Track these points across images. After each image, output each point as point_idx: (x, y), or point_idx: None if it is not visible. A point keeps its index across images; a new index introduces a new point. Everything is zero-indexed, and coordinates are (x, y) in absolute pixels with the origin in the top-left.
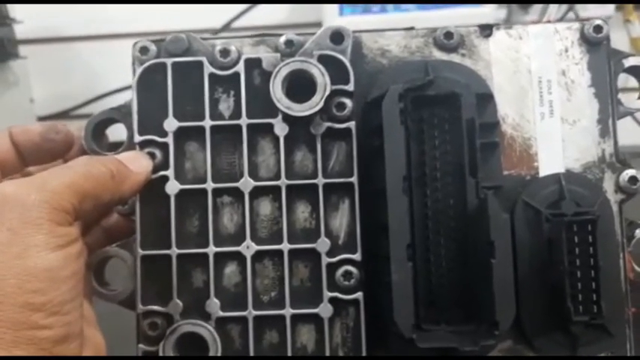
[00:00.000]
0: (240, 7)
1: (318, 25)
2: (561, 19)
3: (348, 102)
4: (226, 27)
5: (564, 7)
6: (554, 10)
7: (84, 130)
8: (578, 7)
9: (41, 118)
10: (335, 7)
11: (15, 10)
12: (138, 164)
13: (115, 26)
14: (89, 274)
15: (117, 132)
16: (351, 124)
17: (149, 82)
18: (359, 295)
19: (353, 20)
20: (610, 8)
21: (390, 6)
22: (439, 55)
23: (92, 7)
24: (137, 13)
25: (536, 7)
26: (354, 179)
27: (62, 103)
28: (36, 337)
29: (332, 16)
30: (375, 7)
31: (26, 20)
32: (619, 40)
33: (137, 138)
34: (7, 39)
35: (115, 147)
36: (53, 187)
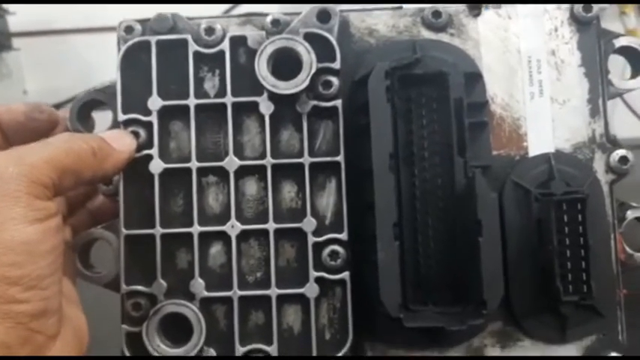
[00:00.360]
0: (228, 5)
1: None
2: None
3: (334, 80)
4: (224, 15)
5: None
6: None
7: (69, 111)
8: None
9: None
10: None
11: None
12: (121, 142)
13: (108, 19)
14: (73, 255)
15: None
16: (338, 103)
17: (133, 60)
18: (345, 275)
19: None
20: None
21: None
22: (427, 34)
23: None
24: (128, 7)
25: None
26: (340, 158)
27: (55, 95)
28: (12, 311)
29: None
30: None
31: (20, 12)
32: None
33: (121, 117)
34: (0, 31)
35: None
36: (32, 160)
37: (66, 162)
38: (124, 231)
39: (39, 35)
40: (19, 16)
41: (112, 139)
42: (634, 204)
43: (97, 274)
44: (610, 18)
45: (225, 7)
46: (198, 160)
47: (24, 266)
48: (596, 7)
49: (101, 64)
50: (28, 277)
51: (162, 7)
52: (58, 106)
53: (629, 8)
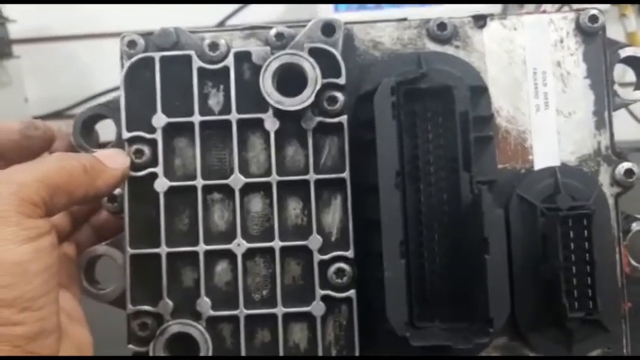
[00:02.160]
0: (232, 6)
1: None
2: None
3: (339, 96)
4: (220, 25)
5: (557, 5)
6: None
7: (72, 126)
8: (573, 6)
9: (36, 118)
10: (330, 6)
11: (8, 10)
12: (114, 160)
13: (108, 25)
14: (78, 271)
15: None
16: (343, 119)
17: (137, 77)
18: (352, 292)
19: (348, 16)
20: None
21: (385, 1)
22: (432, 46)
23: (85, 7)
24: (130, 13)
25: (531, 7)
26: (345, 175)
27: (57, 102)
28: (7, 334)
29: (327, 13)
30: (370, 5)
31: (20, 20)
32: (615, 34)
33: (125, 134)
34: (0, 38)
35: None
36: (21, 179)
37: (57, 180)
38: (130, 250)
39: (39, 42)
40: (19, 23)
41: (105, 158)
42: (639, 216)
43: (103, 292)
44: (610, 20)
45: (235, 6)
46: (204, 177)
47: (17, 287)
48: (601, 17)
49: (101, 69)
50: (22, 298)
51: (168, 6)
52: (59, 112)
53: (629, 10)
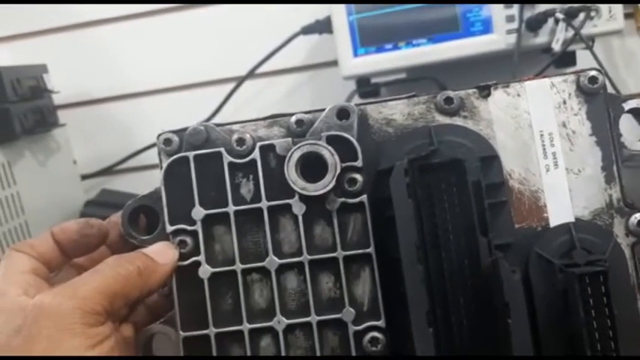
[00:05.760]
0: (262, 54)
1: (335, 63)
2: (569, 44)
3: (358, 177)
4: (250, 73)
5: (571, 31)
6: (561, 34)
7: (121, 217)
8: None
9: (85, 177)
10: (349, 48)
11: (51, 79)
12: (164, 256)
13: (144, 84)
14: (136, 348)
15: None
16: (364, 198)
17: (175, 174)
18: None
19: (367, 60)
20: (620, 21)
21: (402, 43)
22: (442, 119)
23: (122, 69)
24: (163, 69)
25: (545, 30)
26: (371, 250)
27: (103, 160)
28: None
29: (347, 57)
30: (388, 45)
31: (63, 88)
32: (635, 47)
33: (169, 228)
34: (46, 109)
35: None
36: (83, 293)
37: (115, 287)
38: (182, 333)
39: (82, 106)
40: (63, 92)
41: (156, 254)
42: None
43: None
44: (628, 34)
45: (263, 53)
46: (242, 261)
47: None
48: (600, 77)
49: (142, 126)
50: None
51: (199, 57)
52: (107, 169)
53: None
